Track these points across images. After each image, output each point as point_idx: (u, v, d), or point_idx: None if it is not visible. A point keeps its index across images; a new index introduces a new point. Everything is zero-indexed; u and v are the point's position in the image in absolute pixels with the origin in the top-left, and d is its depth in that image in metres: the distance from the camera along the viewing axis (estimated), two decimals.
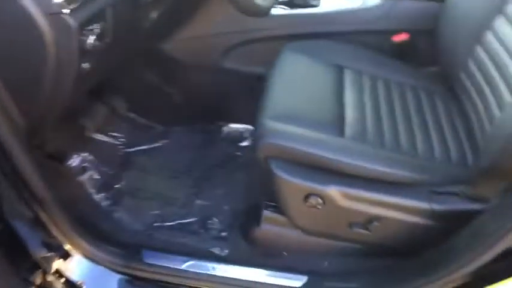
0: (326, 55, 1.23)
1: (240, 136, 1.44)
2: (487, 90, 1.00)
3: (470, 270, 0.83)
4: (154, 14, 1.06)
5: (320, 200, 0.93)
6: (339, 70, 1.19)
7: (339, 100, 1.09)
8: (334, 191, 0.92)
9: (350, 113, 1.05)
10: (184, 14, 1.27)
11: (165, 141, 1.43)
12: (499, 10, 1.04)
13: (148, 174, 1.32)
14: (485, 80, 1.02)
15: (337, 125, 1.01)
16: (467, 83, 1.10)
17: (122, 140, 1.39)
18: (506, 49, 0.98)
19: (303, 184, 0.93)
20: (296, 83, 1.13)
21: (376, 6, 1.29)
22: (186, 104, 1.44)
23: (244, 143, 1.43)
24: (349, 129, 1.00)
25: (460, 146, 1.02)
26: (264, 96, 1.09)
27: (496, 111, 0.94)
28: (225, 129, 1.47)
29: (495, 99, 0.95)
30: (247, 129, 1.45)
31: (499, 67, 0.98)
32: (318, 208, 0.94)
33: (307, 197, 0.93)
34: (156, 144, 1.42)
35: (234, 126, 1.47)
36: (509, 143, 0.82)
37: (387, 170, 0.94)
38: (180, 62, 1.35)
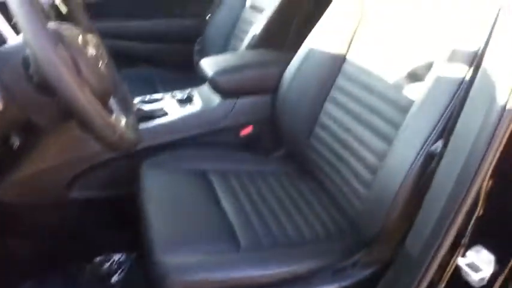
0: (186, 164, 1.22)
1: (108, 271, 1.26)
2: (340, 166, 1.14)
3: None
4: None
5: None
6: (204, 176, 1.18)
7: (218, 209, 1.07)
8: None
9: (235, 220, 1.04)
10: (15, 154, 1.08)
11: None
12: (326, 97, 1.22)
13: None
14: (335, 156, 1.16)
15: (230, 238, 0.99)
16: (318, 160, 1.23)
17: None
18: (344, 128, 1.14)
19: None
20: (170, 202, 1.07)
21: (218, 106, 1.34)
22: (33, 254, 1.19)
23: (116, 278, 1.25)
24: (242, 239, 0.99)
25: (336, 222, 1.11)
26: (142, 225, 0.99)
27: (357, 186, 1.06)
28: (89, 267, 1.27)
29: (353, 174, 1.08)
30: (114, 260, 1.29)
31: (343, 144, 1.13)
32: None
33: None
34: None
35: (98, 260, 1.28)
36: (385, 215, 0.93)
37: (290, 267, 0.95)
38: (16, 206, 1.13)
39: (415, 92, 0.95)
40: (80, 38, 0.81)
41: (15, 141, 0.81)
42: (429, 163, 0.84)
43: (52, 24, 0.78)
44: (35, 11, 0.66)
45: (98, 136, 0.71)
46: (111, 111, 0.88)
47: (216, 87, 1.35)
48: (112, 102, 0.92)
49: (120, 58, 1.30)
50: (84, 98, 0.66)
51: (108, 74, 0.85)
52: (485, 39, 0.81)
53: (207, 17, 2.07)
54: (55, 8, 1.01)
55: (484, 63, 0.77)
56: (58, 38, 0.73)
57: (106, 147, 0.76)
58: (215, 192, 1.13)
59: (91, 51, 0.82)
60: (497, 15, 0.80)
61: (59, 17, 1.01)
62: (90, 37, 0.91)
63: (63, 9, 0.97)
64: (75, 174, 1.20)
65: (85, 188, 1.22)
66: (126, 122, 0.87)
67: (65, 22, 0.97)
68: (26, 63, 0.72)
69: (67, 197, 1.20)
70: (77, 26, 0.98)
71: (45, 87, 0.67)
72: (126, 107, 0.95)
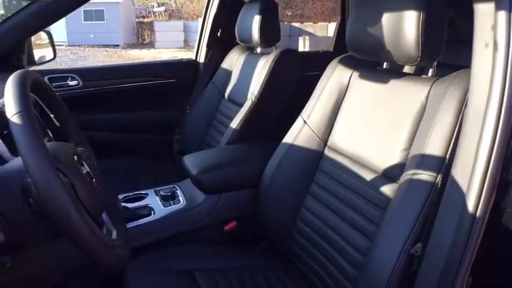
0: (172, 264, 1.22)
1: None
2: (324, 261, 1.16)
3: None
4: None
5: None
6: (191, 276, 1.18)
7: None
8: None
9: None
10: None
11: None
12: (307, 192, 1.27)
13: None
14: (318, 250, 1.19)
15: None
16: (301, 254, 1.25)
17: None
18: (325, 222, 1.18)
19: None
20: None
21: (202, 203, 1.38)
22: None
23: None
24: None
25: None
26: None
27: (343, 281, 1.08)
28: None
29: (337, 269, 1.11)
30: None
31: (326, 238, 1.17)
32: None
33: None
34: None
35: None
36: None
37: None
38: None
39: (390, 191, 1.02)
40: (75, 157, 0.85)
41: (6, 261, 0.81)
42: (411, 264, 0.88)
43: (48, 146, 0.81)
44: (38, 139, 0.70)
45: (95, 258, 0.72)
46: (102, 223, 0.90)
47: (199, 185, 1.39)
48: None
49: (100, 149, 1.32)
50: (86, 228, 0.68)
51: (100, 189, 0.88)
52: (450, 148, 0.89)
53: (187, 110, 2.16)
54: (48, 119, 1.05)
55: (452, 171, 0.84)
56: (56, 162, 0.76)
57: (101, 266, 0.76)
58: None
59: (85, 167, 0.86)
60: (460, 125, 0.89)
61: (51, 128, 1.06)
62: (82, 151, 0.95)
63: (57, 123, 1.01)
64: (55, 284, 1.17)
65: None
66: (117, 234, 0.88)
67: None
68: (26, 191, 0.74)
69: None
70: (68, 138, 1.03)
71: (45, 214, 0.70)
72: (115, 215, 0.97)
